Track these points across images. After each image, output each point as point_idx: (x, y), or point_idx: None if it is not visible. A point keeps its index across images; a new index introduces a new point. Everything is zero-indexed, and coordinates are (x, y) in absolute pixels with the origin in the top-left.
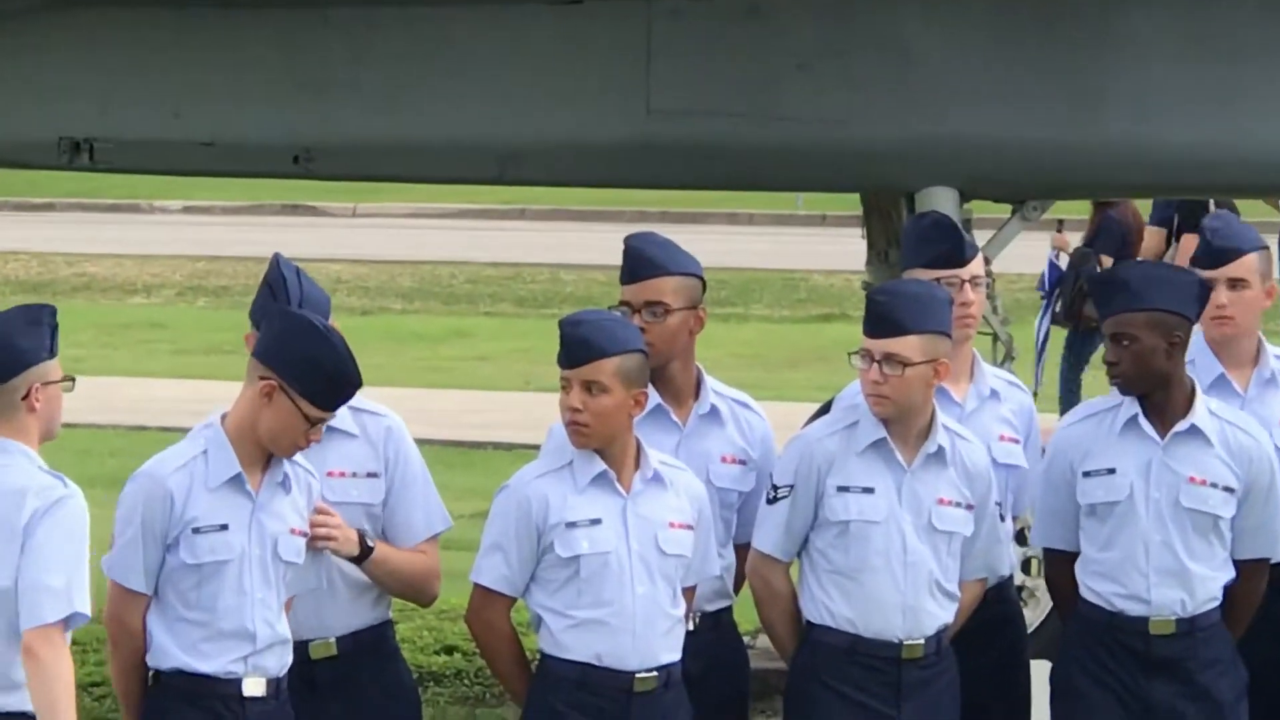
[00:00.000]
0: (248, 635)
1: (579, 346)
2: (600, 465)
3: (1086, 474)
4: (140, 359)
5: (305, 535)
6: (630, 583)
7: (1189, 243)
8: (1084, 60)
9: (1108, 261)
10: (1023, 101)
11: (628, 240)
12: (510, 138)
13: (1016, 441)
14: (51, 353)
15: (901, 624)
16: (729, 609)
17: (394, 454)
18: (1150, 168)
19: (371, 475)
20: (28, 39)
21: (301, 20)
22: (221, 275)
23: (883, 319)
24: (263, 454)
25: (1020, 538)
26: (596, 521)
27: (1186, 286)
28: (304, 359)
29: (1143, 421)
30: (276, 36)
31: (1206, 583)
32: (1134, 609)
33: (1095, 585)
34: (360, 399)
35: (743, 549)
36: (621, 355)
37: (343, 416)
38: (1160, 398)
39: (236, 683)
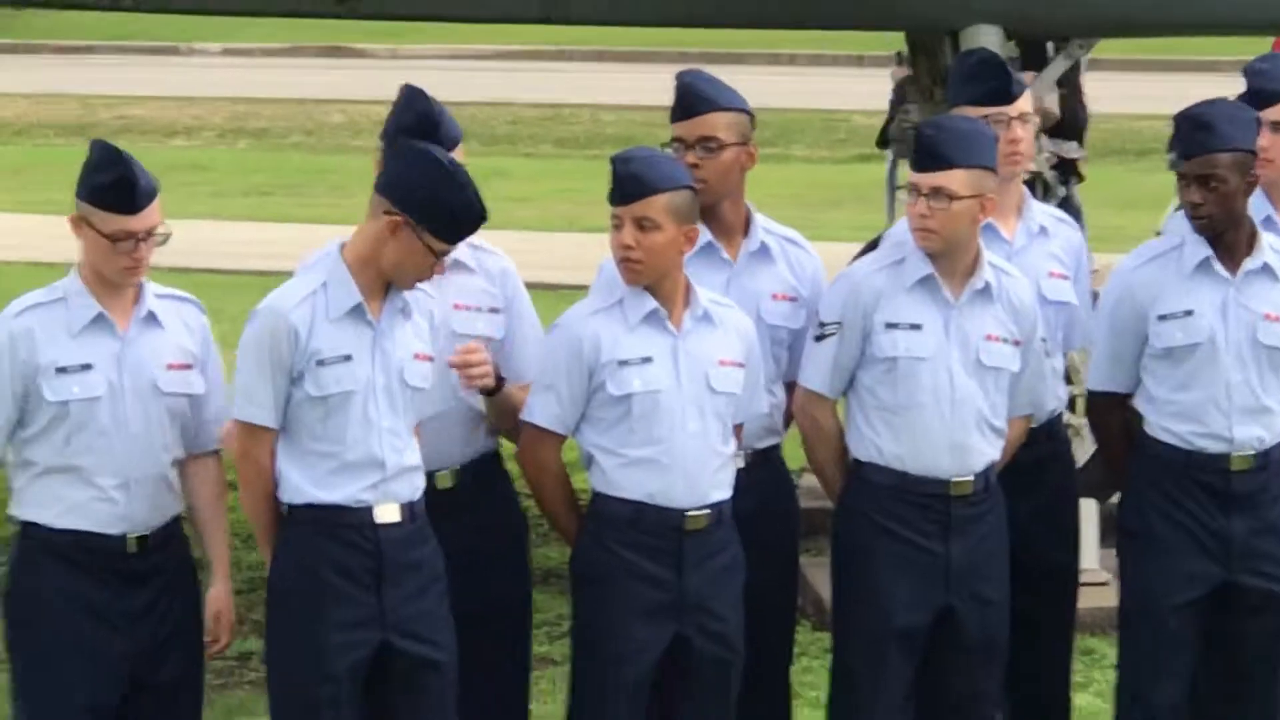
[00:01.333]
0: (377, 463)
1: (630, 182)
2: (651, 303)
3: (1161, 317)
4: (182, 201)
5: (430, 359)
6: (682, 421)
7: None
8: None
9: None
10: None
11: (680, 76)
12: None
13: (1066, 278)
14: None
15: (949, 461)
16: (778, 446)
17: (512, 292)
18: (1194, 4)
19: (493, 310)
20: None
21: None
22: (261, 117)
23: (930, 153)
24: (382, 283)
25: (1067, 376)
26: (648, 360)
27: (1253, 124)
28: (431, 195)
29: (1214, 261)
30: None
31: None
32: (1214, 447)
33: (1171, 425)
34: (476, 236)
35: (792, 386)
36: (672, 191)
37: (462, 251)
38: (1231, 237)
39: (368, 510)
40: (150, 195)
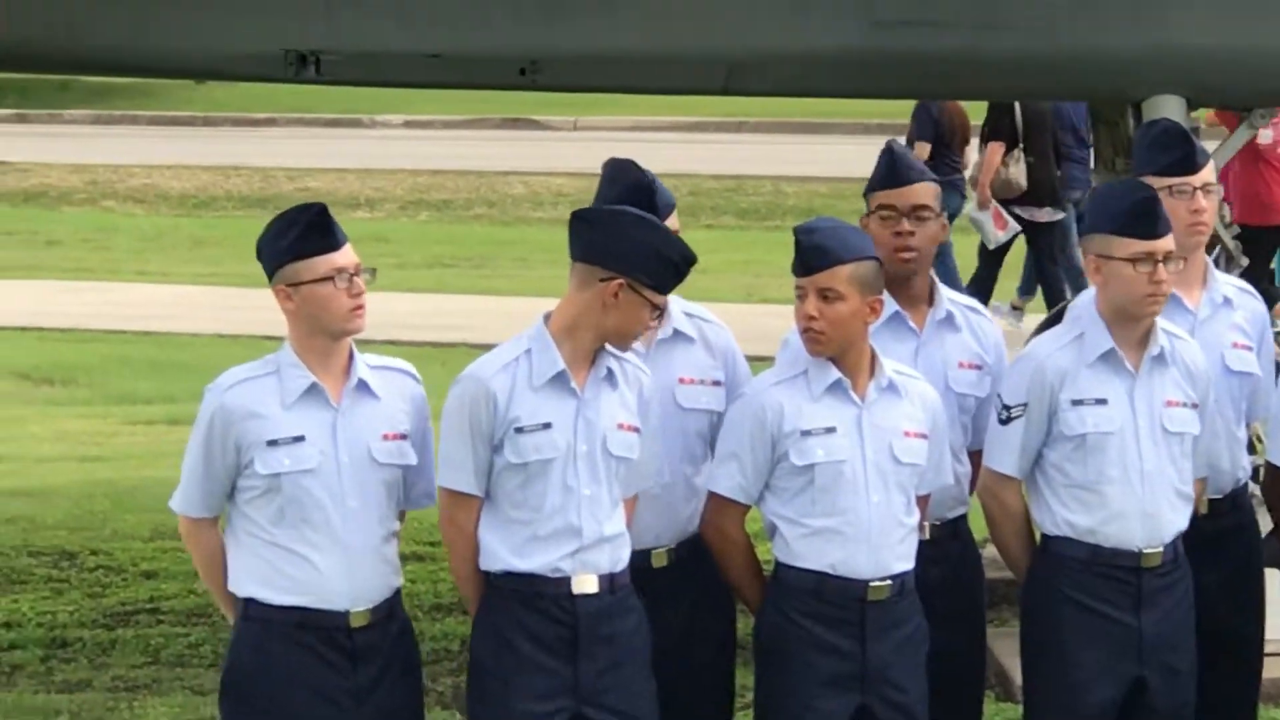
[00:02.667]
0: (574, 532)
1: (814, 253)
2: (835, 373)
3: None
4: None
5: (636, 430)
6: (865, 491)
7: (994, 152)
8: None
9: (924, 149)
10: (1250, 7)
11: (890, 145)
12: (735, 48)
13: (1249, 349)
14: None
15: (1141, 532)
16: (964, 516)
17: (732, 363)
18: None
19: (716, 383)
20: None
21: None
22: (443, 189)
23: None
24: (587, 352)
25: (1250, 446)
26: (831, 430)
27: None
28: (648, 251)
29: None
30: None
31: None
32: None
33: None
34: (692, 305)
35: (975, 455)
36: (856, 262)
37: (681, 321)
38: None
39: (566, 580)
40: (343, 235)
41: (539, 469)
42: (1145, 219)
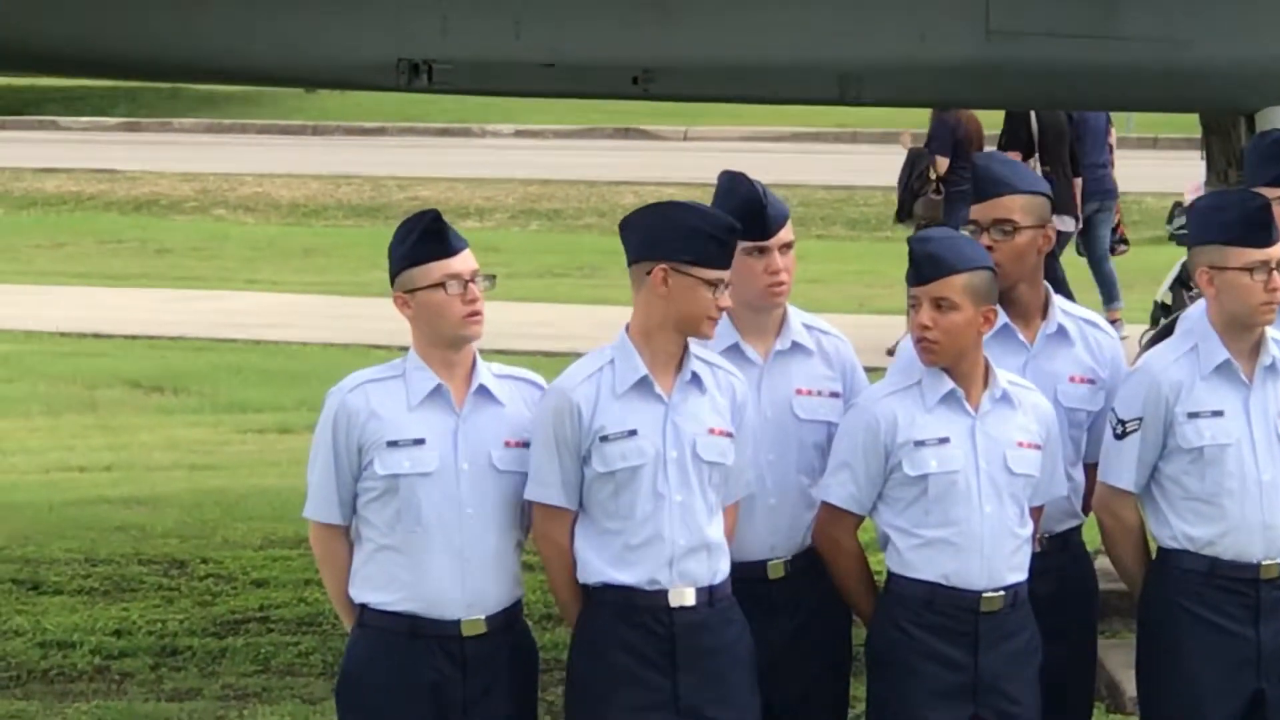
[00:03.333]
0: (667, 540)
1: (928, 263)
2: (949, 384)
3: None
4: None
5: (728, 435)
6: (978, 502)
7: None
8: None
9: (943, 162)
10: None
11: (976, 159)
12: (851, 58)
13: None
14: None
15: (1260, 543)
16: (1078, 529)
17: (850, 374)
18: None
19: (834, 395)
20: None
21: None
22: (554, 199)
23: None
24: (671, 355)
25: None
26: (945, 440)
27: None
28: (678, 229)
29: None
30: None
31: None
32: None
33: None
34: (811, 317)
35: (1090, 468)
36: (970, 272)
37: (799, 332)
38: None
39: (663, 593)
40: (460, 241)
41: (627, 477)
42: (1258, 228)
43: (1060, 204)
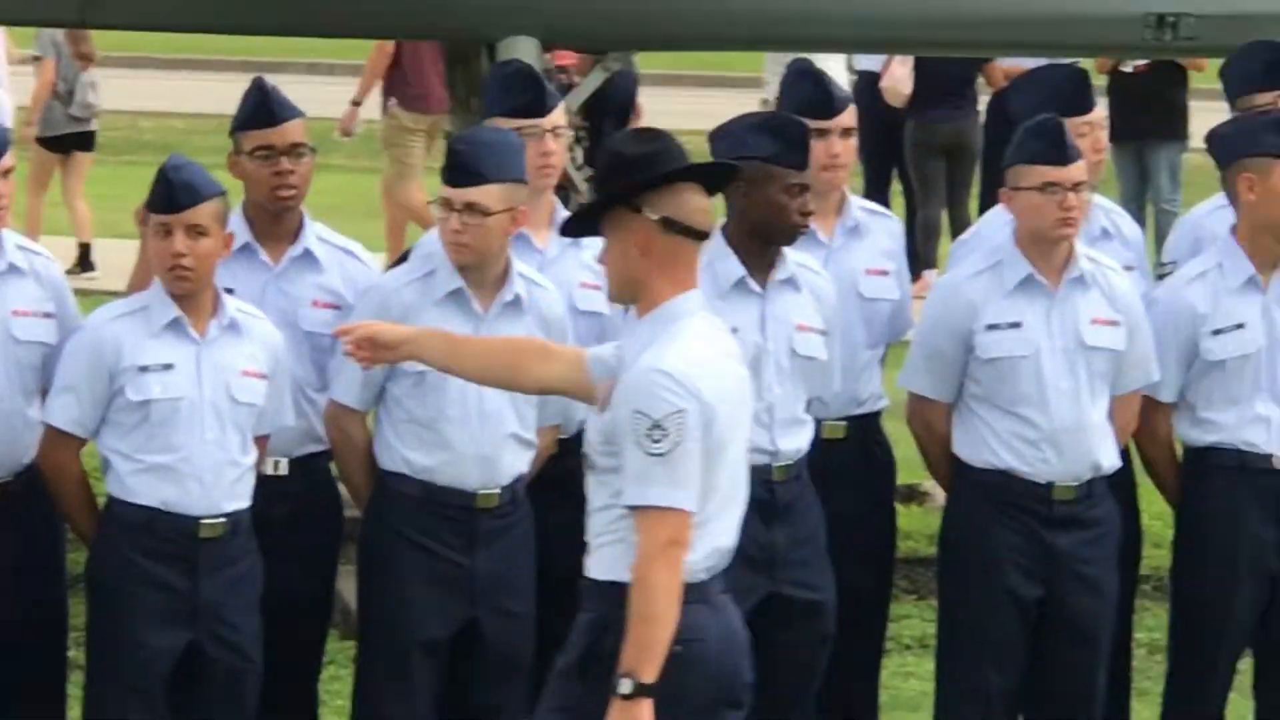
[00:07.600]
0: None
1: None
2: (174, 311)
3: None
4: None
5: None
6: (200, 429)
7: None
8: None
9: None
10: None
11: (260, 81)
12: None
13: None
14: None
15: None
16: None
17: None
18: (726, 22)
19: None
20: None
21: None
22: None
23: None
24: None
25: None
26: (169, 366)
27: None
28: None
29: None
30: None
31: None
32: None
33: None
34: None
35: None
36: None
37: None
38: None
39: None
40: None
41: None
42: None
43: None
